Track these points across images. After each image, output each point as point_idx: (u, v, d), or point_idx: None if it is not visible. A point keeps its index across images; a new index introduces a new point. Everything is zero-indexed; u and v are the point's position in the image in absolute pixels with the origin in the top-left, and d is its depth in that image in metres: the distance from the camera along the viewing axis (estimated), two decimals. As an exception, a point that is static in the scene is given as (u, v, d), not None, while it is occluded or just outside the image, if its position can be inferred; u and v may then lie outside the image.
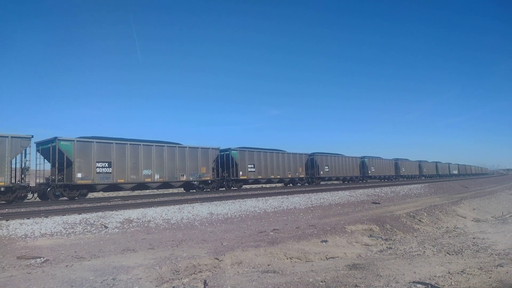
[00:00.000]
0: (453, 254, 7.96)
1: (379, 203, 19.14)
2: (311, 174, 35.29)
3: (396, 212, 15.36)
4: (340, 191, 22.84)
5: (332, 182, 40.37)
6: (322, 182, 36.94)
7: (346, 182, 40.57)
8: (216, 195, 20.07)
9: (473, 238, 10.12)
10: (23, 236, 8.99)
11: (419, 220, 14.44)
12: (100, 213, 11.90)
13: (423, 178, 58.36)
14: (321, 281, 5.55)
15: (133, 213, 12.22)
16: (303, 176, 33.84)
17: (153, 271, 6.15)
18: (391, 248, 9.46)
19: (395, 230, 12.46)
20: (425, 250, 8.66)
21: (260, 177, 28.89)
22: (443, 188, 32.12)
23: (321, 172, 35.79)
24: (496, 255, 7.53)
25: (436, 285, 5.28)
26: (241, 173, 27.15)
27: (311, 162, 35.48)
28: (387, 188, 27.48)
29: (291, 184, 33.13)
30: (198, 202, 15.51)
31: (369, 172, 43.96)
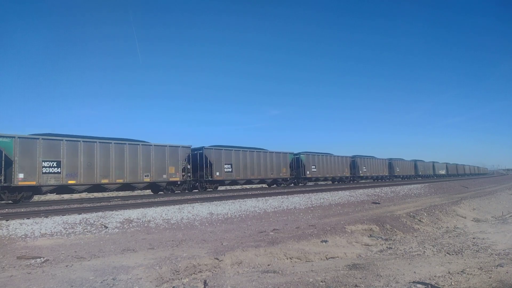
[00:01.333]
0: (453, 254, 7.96)
1: (379, 203, 19.14)
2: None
3: (396, 212, 15.37)
4: (340, 191, 22.85)
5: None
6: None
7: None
8: (216, 195, 20.09)
9: (473, 238, 10.12)
10: (23, 236, 8.99)
11: (419, 220, 14.44)
12: (100, 213, 11.90)
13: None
14: (321, 281, 5.55)
15: (133, 213, 12.22)
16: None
17: (153, 271, 6.15)
18: (391, 248, 9.46)
19: (395, 230, 12.46)
20: (425, 250, 8.66)
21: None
22: (443, 188, 32.12)
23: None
24: (496, 255, 7.53)
25: (436, 285, 5.28)
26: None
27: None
28: (387, 188, 27.49)
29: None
30: (198, 202, 15.51)
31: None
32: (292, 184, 33.04)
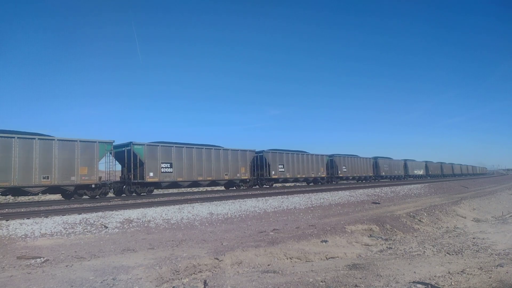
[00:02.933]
0: (453, 254, 7.96)
1: (379, 203, 19.14)
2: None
3: (396, 212, 15.37)
4: (340, 191, 22.85)
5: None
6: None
7: (310, 184, 36.61)
8: (216, 195, 20.09)
9: (473, 238, 10.11)
10: (23, 236, 8.99)
11: (419, 220, 14.44)
12: (100, 213, 11.90)
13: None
14: (321, 281, 5.55)
15: (133, 213, 12.21)
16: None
17: (153, 271, 6.15)
18: (391, 248, 9.46)
19: (395, 230, 12.46)
20: (425, 250, 8.66)
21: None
22: (443, 188, 32.12)
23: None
24: (496, 255, 7.53)
25: (436, 285, 5.28)
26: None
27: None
28: (387, 188, 27.48)
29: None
30: (198, 202, 15.51)
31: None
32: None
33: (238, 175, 27.22)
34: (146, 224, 11.24)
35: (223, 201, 15.99)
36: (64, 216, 11.21)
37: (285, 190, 24.81)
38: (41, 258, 6.90)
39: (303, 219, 13.36)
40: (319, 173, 36.10)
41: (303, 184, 35.16)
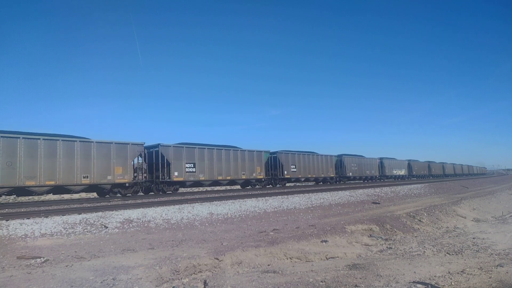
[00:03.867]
0: (453, 254, 7.96)
1: (379, 203, 19.14)
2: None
3: (396, 212, 15.36)
4: (340, 191, 22.85)
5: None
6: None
7: (319, 183, 37.32)
8: (216, 195, 20.09)
9: (473, 238, 10.12)
10: (23, 236, 8.99)
11: (419, 220, 14.44)
12: (100, 213, 11.90)
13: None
14: (321, 281, 5.55)
15: (133, 213, 12.21)
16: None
17: (153, 271, 6.15)
18: (391, 248, 9.46)
19: (395, 230, 12.46)
20: (425, 250, 8.66)
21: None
22: (443, 188, 32.12)
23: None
24: (496, 255, 7.53)
25: (436, 285, 5.28)
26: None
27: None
28: (387, 188, 27.49)
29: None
30: (198, 202, 15.50)
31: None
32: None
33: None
34: (146, 224, 11.24)
35: (223, 201, 15.99)
36: (64, 216, 11.21)
37: (291, 190, 24.83)
38: (41, 258, 6.90)
39: (303, 219, 13.36)
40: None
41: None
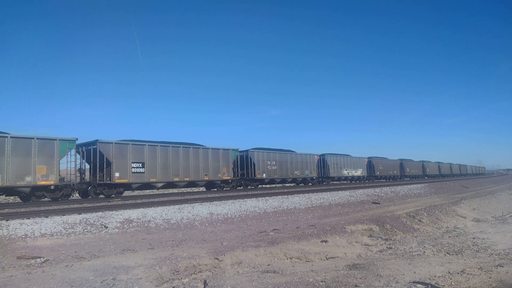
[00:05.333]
0: (453, 254, 7.96)
1: (379, 203, 19.14)
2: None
3: (396, 212, 15.36)
4: (340, 191, 22.85)
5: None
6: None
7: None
8: (216, 195, 20.08)
9: (473, 238, 10.11)
10: (23, 236, 8.99)
11: (419, 220, 14.44)
12: (100, 213, 11.90)
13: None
14: (321, 281, 5.55)
15: (133, 213, 12.21)
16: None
17: (153, 271, 6.15)
18: (391, 248, 9.46)
19: (395, 230, 12.46)
20: (425, 250, 8.66)
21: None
22: (443, 188, 32.13)
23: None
24: (496, 255, 7.53)
25: (436, 285, 5.28)
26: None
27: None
28: (387, 188, 27.49)
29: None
30: (198, 202, 15.50)
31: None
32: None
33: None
34: (146, 224, 11.24)
35: (223, 201, 15.99)
36: (64, 216, 11.21)
37: (285, 191, 24.79)
38: (41, 258, 6.90)
39: (303, 219, 13.36)
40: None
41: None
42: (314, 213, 15.07)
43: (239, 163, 27.69)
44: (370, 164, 45.13)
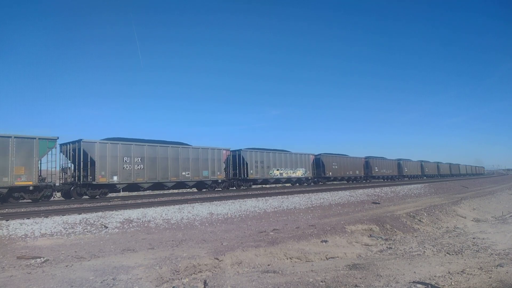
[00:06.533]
0: (453, 254, 7.96)
1: (379, 203, 19.14)
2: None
3: (396, 212, 15.36)
4: (340, 191, 22.85)
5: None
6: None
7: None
8: (216, 195, 20.08)
9: (473, 238, 10.11)
10: (23, 236, 8.99)
11: (419, 220, 14.43)
12: (100, 213, 11.90)
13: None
14: (321, 281, 5.55)
15: (133, 213, 12.22)
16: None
17: (153, 271, 6.15)
18: (391, 248, 9.46)
19: (395, 230, 12.45)
20: (425, 250, 8.66)
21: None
22: (443, 188, 32.13)
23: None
24: (496, 255, 7.53)
25: (436, 285, 5.28)
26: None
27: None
28: (387, 188, 27.49)
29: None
30: (198, 202, 15.51)
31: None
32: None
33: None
34: (146, 224, 11.24)
35: (223, 201, 15.99)
36: (64, 216, 11.21)
37: (285, 191, 24.79)
38: (41, 258, 6.90)
39: (303, 219, 13.36)
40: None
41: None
42: (314, 213, 15.07)
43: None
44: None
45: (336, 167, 37.86)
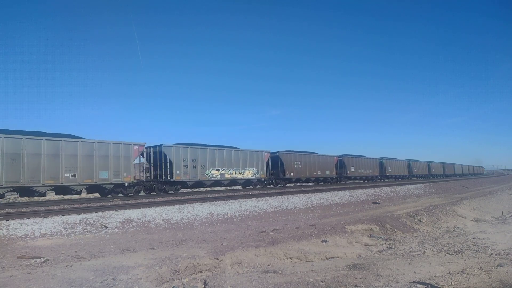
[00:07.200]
0: (453, 254, 7.96)
1: (379, 203, 19.14)
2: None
3: (396, 212, 15.36)
4: (340, 191, 22.85)
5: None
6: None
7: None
8: (216, 195, 20.09)
9: (473, 238, 10.12)
10: (23, 236, 8.99)
11: (419, 220, 14.43)
12: (100, 213, 11.90)
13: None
14: (321, 281, 5.55)
15: (133, 213, 12.21)
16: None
17: (153, 271, 6.15)
18: (391, 248, 9.46)
19: (395, 230, 12.45)
20: (425, 250, 8.66)
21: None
22: (443, 188, 32.13)
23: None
24: (496, 255, 7.53)
25: (436, 285, 5.28)
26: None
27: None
28: (387, 188, 27.49)
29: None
30: (198, 202, 15.50)
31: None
32: (271, 185, 30.57)
33: (329, 173, 30.27)
34: (146, 224, 11.24)
35: (223, 201, 15.99)
36: (64, 216, 11.21)
37: (285, 191, 24.80)
38: (41, 258, 6.90)
39: (303, 219, 13.36)
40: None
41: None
42: (314, 213, 15.07)
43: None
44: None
45: (300, 166, 33.40)
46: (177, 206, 14.15)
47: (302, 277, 5.85)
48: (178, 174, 23.03)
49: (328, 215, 14.43)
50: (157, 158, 23.13)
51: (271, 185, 31.00)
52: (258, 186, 29.60)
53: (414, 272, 6.09)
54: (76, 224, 10.41)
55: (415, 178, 55.90)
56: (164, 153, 22.80)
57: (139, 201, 17.45)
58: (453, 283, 5.34)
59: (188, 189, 25.41)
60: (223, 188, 28.31)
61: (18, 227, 9.63)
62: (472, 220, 16.65)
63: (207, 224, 11.85)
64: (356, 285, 5.32)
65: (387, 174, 49.07)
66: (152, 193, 22.69)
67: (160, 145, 23.05)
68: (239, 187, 29.80)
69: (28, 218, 10.81)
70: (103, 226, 10.51)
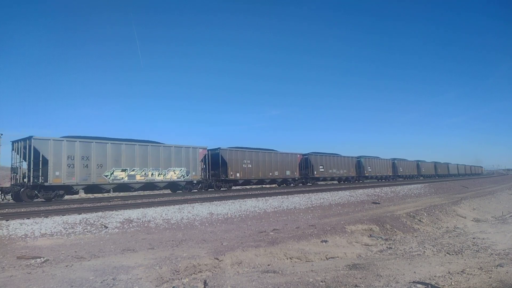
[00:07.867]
0: (453, 254, 7.96)
1: (379, 203, 19.14)
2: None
3: (396, 212, 15.37)
4: (340, 191, 22.86)
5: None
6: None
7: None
8: (216, 195, 20.08)
9: (473, 238, 10.12)
10: (23, 236, 8.99)
11: (419, 220, 14.44)
12: (100, 213, 11.90)
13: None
14: (321, 281, 5.55)
15: (133, 213, 12.22)
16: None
17: (153, 271, 6.15)
18: (391, 248, 9.46)
19: (395, 230, 12.46)
20: (425, 250, 8.66)
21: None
22: (443, 188, 32.14)
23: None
24: (496, 255, 7.53)
25: (436, 285, 5.28)
26: (315, 172, 33.70)
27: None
28: (387, 188, 27.50)
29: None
30: (198, 202, 15.51)
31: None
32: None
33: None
34: (146, 224, 11.24)
35: (223, 201, 15.99)
36: (64, 216, 11.21)
37: (284, 191, 24.79)
38: (41, 258, 6.90)
39: (303, 219, 13.36)
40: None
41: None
42: (314, 213, 15.07)
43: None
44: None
45: (250, 166, 28.71)
46: (177, 206, 14.16)
47: (302, 277, 5.85)
48: (58, 176, 17.42)
49: (328, 215, 14.43)
50: (26, 156, 17.66)
51: (212, 189, 25.94)
52: (194, 191, 24.32)
53: (414, 272, 6.09)
54: (76, 224, 10.41)
55: (401, 179, 50.40)
56: (35, 148, 17.17)
57: (139, 201, 17.46)
58: (453, 283, 5.34)
59: (76, 195, 20.80)
60: (127, 193, 22.77)
61: (18, 227, 9.63)
62: (472, 220, 16.65)
63: (207, 224, 11.85)
64: (356, 285, 5.32)
65: (366, 175, 44.04)
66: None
67: (30, 138, 17.31)
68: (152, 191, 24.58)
69: (28, 218, 10.81)
70: (103, 226, 10.51)
